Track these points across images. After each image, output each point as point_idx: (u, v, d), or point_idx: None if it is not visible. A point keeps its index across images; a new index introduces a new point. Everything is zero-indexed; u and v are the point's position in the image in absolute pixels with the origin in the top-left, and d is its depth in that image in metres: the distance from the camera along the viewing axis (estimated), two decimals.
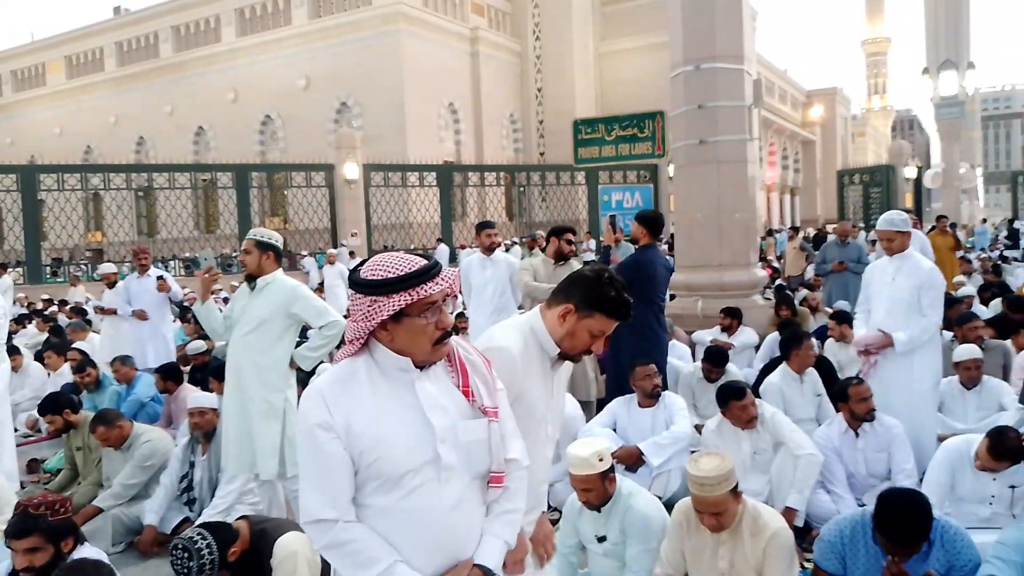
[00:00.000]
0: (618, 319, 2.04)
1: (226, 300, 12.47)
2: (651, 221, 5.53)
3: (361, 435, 1.69)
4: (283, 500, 4.30)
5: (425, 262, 1.73)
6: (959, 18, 30.95)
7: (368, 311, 1.70)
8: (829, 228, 21.75)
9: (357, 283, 1.72)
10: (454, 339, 1.84)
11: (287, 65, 34.61)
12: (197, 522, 3.98)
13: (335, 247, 17.66)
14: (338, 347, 2.49)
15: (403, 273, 1.69)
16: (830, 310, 7.82)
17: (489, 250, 6.47)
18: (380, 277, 1.69)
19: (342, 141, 21.59)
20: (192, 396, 4.76)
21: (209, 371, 6.12)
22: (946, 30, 30.66)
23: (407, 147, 29.27)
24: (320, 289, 14.31)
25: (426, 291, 1.69)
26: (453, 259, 19.61)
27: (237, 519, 3.45)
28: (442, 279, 1.72)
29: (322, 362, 4.63)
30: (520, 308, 7.97)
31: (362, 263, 1.79)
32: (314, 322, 4.07)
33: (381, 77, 31.46)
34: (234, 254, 20.48)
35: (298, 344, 4.20)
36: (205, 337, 7.57)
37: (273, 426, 4.03)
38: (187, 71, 38.45)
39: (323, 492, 1.70)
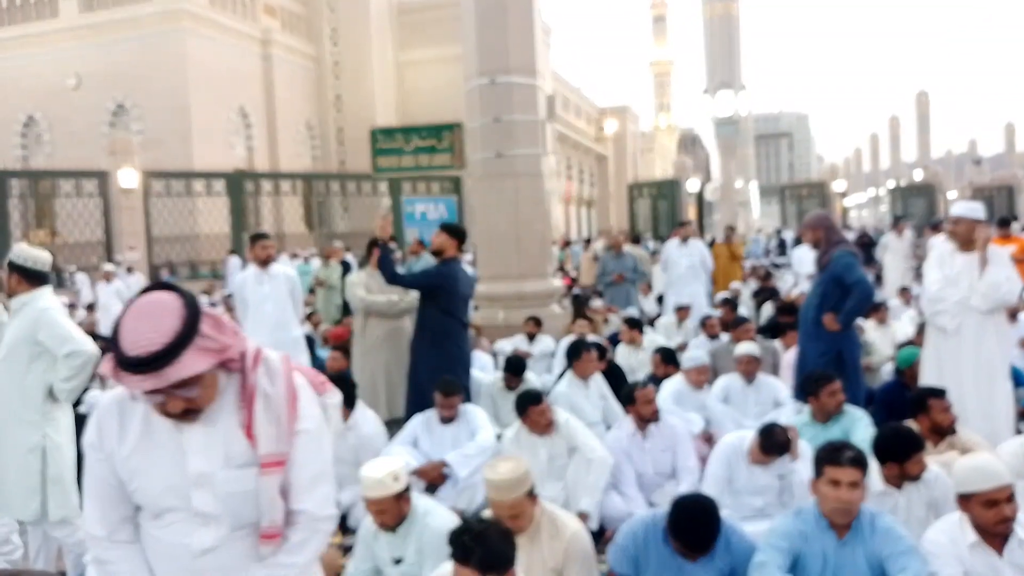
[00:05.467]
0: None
1: None
2: (459, 232, 5.54)
3: (123, 463, 1.69)
4: (54, 547, 3.82)
5: (154, 351, 1.49)
6: (732, 44, 34.01)
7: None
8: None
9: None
10: (265, 366, 1.70)
11: (53, 62, 31.26)
12: None
13: (110, 261, 16.17)
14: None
15: (127, 355, 1.51)
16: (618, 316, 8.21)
17: (264, 263, 5.91)
18: (117, 351, 1.55)
19: (117, 146, 19.78)
20: None
21: None
22: (721, 55, 33.58)
23: (193, 153, 27.37)
24: (92, 309, 13.04)
25: (132, 383, 1.53)
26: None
27: None
28: (156, 378, 1.50)
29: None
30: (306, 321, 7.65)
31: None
32: (56, 350, 3.56)
33: (163, 78, 29.26)
34: None
35: None
36: None
37: (30, 464, 3.54)
38: None
39: (93, 508, 1.74)
